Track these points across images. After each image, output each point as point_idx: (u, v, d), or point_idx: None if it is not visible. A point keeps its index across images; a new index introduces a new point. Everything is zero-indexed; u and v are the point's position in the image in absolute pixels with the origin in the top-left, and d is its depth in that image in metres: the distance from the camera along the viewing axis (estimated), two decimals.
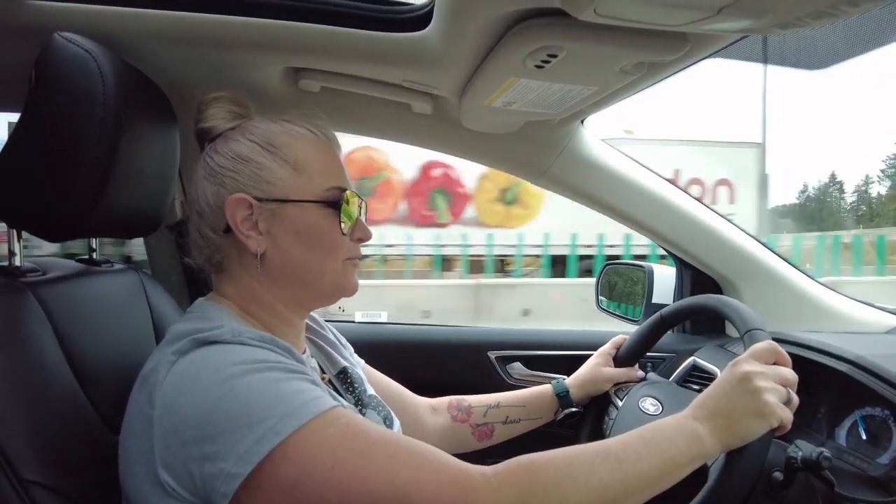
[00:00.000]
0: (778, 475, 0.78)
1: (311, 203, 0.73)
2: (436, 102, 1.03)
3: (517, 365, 1.38)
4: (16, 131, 0.68)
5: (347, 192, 0.75)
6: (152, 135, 0.80)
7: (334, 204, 0.74)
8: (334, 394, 0.75)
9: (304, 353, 0.82)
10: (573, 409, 1.08)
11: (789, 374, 0.73)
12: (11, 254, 0.72)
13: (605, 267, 1.60)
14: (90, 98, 0.67)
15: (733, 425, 0.69)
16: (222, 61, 0.90)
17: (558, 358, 1.36)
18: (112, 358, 0.77)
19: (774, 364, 0.74)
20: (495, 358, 1.37)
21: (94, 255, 0.90)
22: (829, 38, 0.78)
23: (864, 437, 0.87)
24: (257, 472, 0.55)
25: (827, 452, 0.73)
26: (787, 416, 0.70)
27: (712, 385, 0.74)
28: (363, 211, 0.81)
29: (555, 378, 1.13)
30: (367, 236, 0.80)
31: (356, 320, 1.49)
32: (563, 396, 1.08)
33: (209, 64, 0.90)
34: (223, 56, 0.89)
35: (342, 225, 0.74)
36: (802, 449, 0.75)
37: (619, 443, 0.66)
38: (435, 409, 1.07)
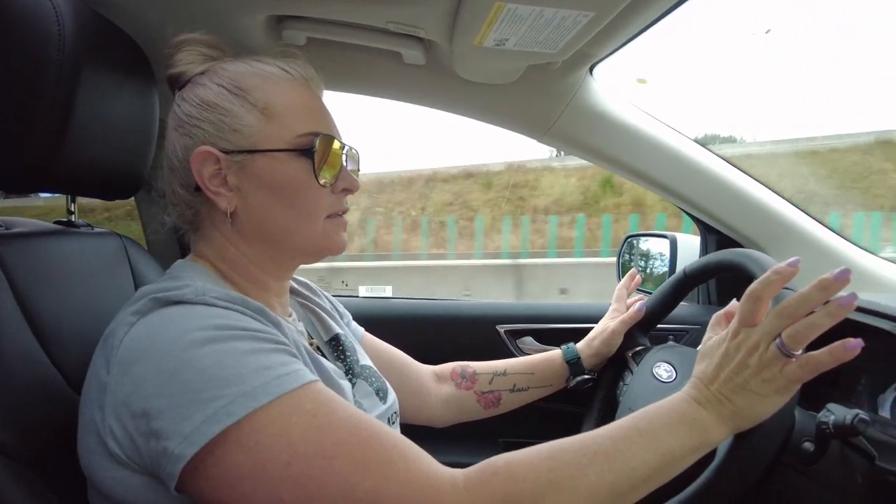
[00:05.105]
0: (808, 446, 0.65)
1: (281, 152, 0.66)
2: (428, 51, 0.96)
3: (528, 339, 1.31)
4: None
5: (324, 136, 0.68)
6: (122, 88, 0.76)
7: (307, 151, 0.67)
8: (318, 358, 0.69)
9: (289, 316, 0.77)
10: (585, 377, 1.00)
11: (785, 307, 0.57)
12: None
13: (626, 239, 1.50)
14: (45, 40, 0.63)
15: (740, 410, 0.59)
16: (200, 10, 0.85)
17: (571, 331, 1.28)
18: (83, 321, 0.72)
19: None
20: (504, 332, 1.30)
21: (73, 218, 0.86)
22: None
23: None
24: (204, 456, 0.49)
25: (864, 415, 0.61)
26: (804, 368, 0.57)
27: (714, 357, 0.62)
28: (351, 159, 0.74)
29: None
30: (354, 187, 0.73)
31: (360, 295, 1.44)
32: (573, 363, 1.01)
33: (185, 13, 0.85)
34: (200, 4, 0.84)
35: (319, 176, 0.68)
36: (835, 413, 0.64)
37: (610, 437, 0.57)
38: (439, 376, 1.02)
